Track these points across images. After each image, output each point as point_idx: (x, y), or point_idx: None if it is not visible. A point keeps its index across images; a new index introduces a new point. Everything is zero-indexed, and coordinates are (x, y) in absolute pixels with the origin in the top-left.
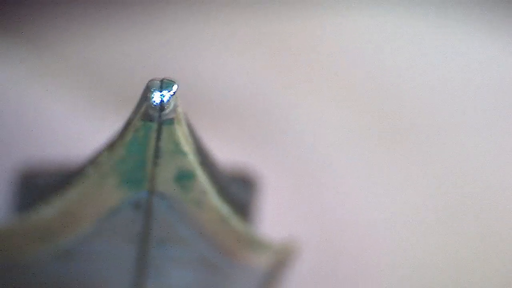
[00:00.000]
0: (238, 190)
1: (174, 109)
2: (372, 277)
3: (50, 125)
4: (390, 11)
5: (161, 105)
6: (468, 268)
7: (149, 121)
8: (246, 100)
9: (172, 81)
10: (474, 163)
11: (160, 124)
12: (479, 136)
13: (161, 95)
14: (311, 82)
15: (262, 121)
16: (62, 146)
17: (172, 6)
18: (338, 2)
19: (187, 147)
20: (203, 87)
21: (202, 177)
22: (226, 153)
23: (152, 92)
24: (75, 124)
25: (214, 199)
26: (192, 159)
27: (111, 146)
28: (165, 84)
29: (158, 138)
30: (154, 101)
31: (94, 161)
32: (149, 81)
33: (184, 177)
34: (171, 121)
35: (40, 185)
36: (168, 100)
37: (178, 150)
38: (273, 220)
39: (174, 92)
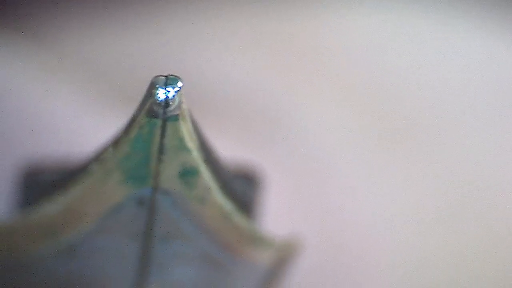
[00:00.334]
0: (242, 187)
1: (179, 106)
2: (373, 275)
3: (53, 123)
4: (391, 10)
5: (166, 102)
6: (468, 267)
7: (154, 117)
8: (249, 98)
9: (177, 77)
10: (475, 162)
11: (165, 121)
12: (479, 135)
13: (166, 92)
14: (314, 80)
15: (265, 119)
16: (65, 143)
17: (175, 3)
18: (340, 1)
19: (191, 143)
20: (206, 85)
21: (206, 174)
22: (230, 150)
23: (157, 89)
24: (77, 121)
25: (217, 195)
26: (196, 156)
27: (116, 142)
28: (170, 81)
29: (162, 135)
30: (159, 98)
31: (98, 157)
32: (154, 78)
33: (188, 174)
34: (175, 118)
35: (43, 182)
36: (172, 97)
37: (182, 147)
38: (276, 217)
39: (179, 89)
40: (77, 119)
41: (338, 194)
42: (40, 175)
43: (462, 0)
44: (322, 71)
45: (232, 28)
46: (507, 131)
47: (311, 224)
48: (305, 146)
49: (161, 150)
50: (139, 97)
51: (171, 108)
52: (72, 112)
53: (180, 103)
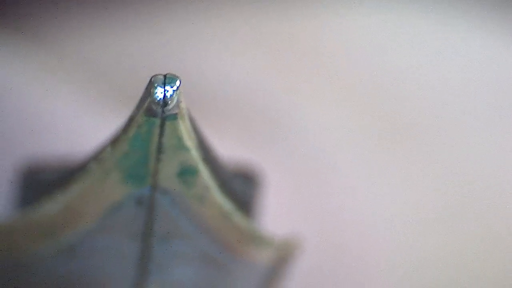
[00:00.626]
0: (241, 186)
1: (177, 105)
2: (372, 275)
3: (53, 122)
4: (391, 10)
5: (164, 101)
6: (468, 267)
7: (152, 116)
8: (248, 97)
9: (176, 76)
10: (475, 162)
11: (163, 120)
12: (479, 135)
13: (164, 91)
14: (313, 80)
15: (265, 118)
16: (65, 142)
17: (175, 3)
18: (340, 1)
19: (190, 142)
20: (206, 85)
21: (204, 173)
22: (229, 149)
23: (155, 88)
24: (77, 121)
25: (216, 195)
26: (194, 155)
27: (114, 141)
28: (168, 80)
29: (161, 134)
30: (157, 97)
31: (97, 156)
32: (153, 77)
33: (186, 173)
34: (174, 117)
35: (43, 181)
36: (171, 96)
37: (181, 146)
38: (276, 216)
39: (177, 88)
40: (77, 118)
41: (338, 193)
42: (40, 174)
43: (462, 0)
44: (321, 71)
45: (232, 28)
46: (507, 131)
47: (311, 223)
48: (304, 145)
49: (159, 149)
50: (139, 97)
51: (170, 107)
52: (72, 112)
53: (178, 102)
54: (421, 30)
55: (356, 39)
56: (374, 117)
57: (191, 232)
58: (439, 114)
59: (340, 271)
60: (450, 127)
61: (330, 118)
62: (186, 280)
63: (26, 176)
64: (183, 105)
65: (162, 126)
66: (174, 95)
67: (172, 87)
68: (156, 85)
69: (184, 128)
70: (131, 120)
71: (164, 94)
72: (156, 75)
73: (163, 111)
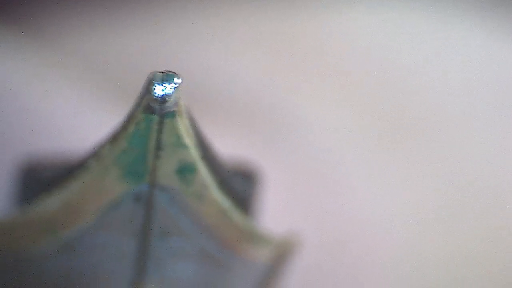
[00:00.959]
0: (240, 184)
1: (176, 102)
2: (372, 274)
3: (53, 120)
4: (392, 10)
5: (163, 98)
6: (468, 267)
7: (151, 113)
8: (248, 95)
9: (174, 73)
10: (475, 162)
11: (162, 117)
12: (480, 135)
13: (163, 88)
14: (314, 79)
15: (264, 116)
16: (65, 140)
17: (176, 2)
18: (341, 1)
19: (188, 140)
20: (206, 83)
21: (203, 171)
22: (230, 147)
23: (154, 85)
24: (78, 119)
25: (215, 192)
26: (193, 152)
27: (113, 138)
28: (167, 77)
29: (159, 131)
30: (156, 94)
31: (96, 153)
32: (151, 74)
33: (185, 170)
34: (173, 114)
35: (42, 178)
36: (170, 93)
37: (179, 143)
38: (274, 214)
39: (176, 85)
40: (77, 116)
41: (338, 192)
42: (39, 171)
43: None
44: (321, 70)
45: (233, 26)
46: (507, 131)
47: (311, 222)
48: (304, 143)
49: (158, 147)
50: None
51: (168, 104)
52: (72, 110)
53: (177, 99)
54: (422, 30)
55: (357, 38)
56: (374, 116)
57: (190, 230)
58: (439, 113)
59: (339, 270)
60: (450, 127)
61: (330, 117)
62: (185, 277)
63: (25, 173)
64: (182, 102)
65: (160, 123)
66: (173, 93)
67: (170, 84)
68: (154, 82)
69: (182, 125)
70: (129, 117)
71: (163, 91)
72: (154, 72)
73: (161, 109)
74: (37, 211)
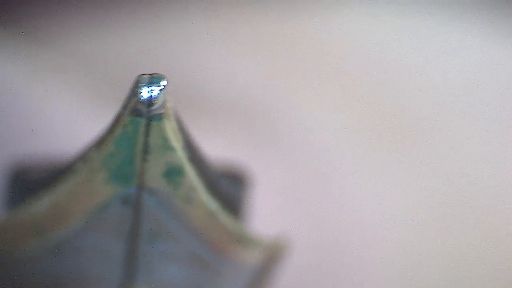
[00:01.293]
0: (228, 186)
1: (163, 105)
2: (369, 275)
3: (51, 122)
4: (392, 11)
5: (150, 100)
6: (467, 267)
7: (138, 116)
8: (246, 96)
9: (161, 76)
10: (475, 162)
11: (149, 119)
12: (479, 135)
13: (149, 90)
14: (311, 80)
15: (262, 117)
16: (63, 143)
17: (175, 4)
18: (340, 2)
19: (176, 142)
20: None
21: (191, 173)
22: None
23: (140, 87)
24: (76, 122)
25: (203, 195)
26: (181, 155)
27: (101, 141)
28: (154, 79)
29: (146, 134)
30: (142, 96)
31: (83, 156)
32: (138, 76)
33: (173, 173)
34: (160, 116)
35: (31, 180)
36: (156, 96)
37: (167, 146)
38: (264, 216)
39: (163, 87)
40: (76, 118)
41: (335, 193)
42: (27, 174)
43: (462, 0)
44: (320, 71)
45: (231, 28)
46: (507, 131)
47: (308, 223)
48: (302, 144)
49: (145, 149)
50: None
51: (155, 107)
52: (70, 112)
53: (164, 102)
54: (422, 31)
55: (356, 39)
56: (373, 117)
57: (178, 232)
58: (438, 114)
59: (336, 271)
60: (450, 127)
61: (327, 118)
62: (174, 280)
63: (14, 175)
64: (169, 105)
65: (147, 126)
66: (159, 95)
67: (157, 87)
68: (141, 84)
69: (170, 128)
70: (117, 119)
71: (150, 94)
72: (141, 74)
73: (148, 111)
74: (25, 213)
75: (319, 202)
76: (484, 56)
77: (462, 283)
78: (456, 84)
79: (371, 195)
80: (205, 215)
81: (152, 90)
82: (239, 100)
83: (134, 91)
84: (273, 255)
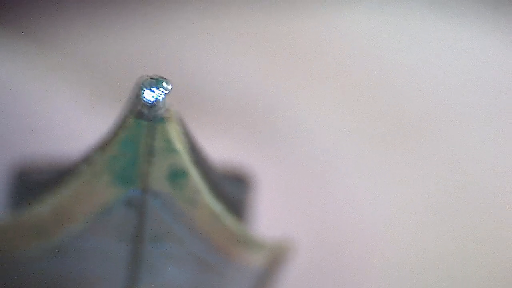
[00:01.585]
0: (232, 189)
1: (166, 107)
2: (371, 276)
3: (52, 123)
4: (391, 11)
5: (153, 103)
6: (467, 267)
7: (141, 119)
8: (246, 97)
9: (164, 78)
10: (476, 162)
11: (152, 122)
12: (479, 136)
13: (152, 93)
14: (312, 80)
15: (262, 118)
16: (64, 143)
17: (175, 4)
18: (339, 2)
19: (179, 145)
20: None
21: (195, 176)
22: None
23: (143, 90)
24: (77, 121)
25: (207, 197)
26: (185, 158)
27: (104, 143)
28: (156, 82)
29: (150, 136)
30: (145, 99)
31: (87, 158)
32: (141, 78)
33: (177, 176)
34: (163, 119)
35: (34, 182)
36: (159, 98)
37: (170, 148)
38: (268, 219)
39: (165, 90)
40: (76, 118)
41: (337, 194)
42: (31, 175)
43: (462, 0)
44: (320, 71)
45: (231, 28)
46: (507, 131)
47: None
48: (300, 147)
49: (149, 152)
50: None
51: (159, 109)
52: (70, 112)
53: (167, 104)
54: (422, 31)
55: (356, 39)
56: (373, 117)
57: (182, 234)
58: (439, 114)
59: (333, 272)
60: (450, 127)
61: (325, 119)
62: (177, 282)
63: (17, 176)
64: (172, 107)
65: (151, 128)
66: (162, 98)
67: (160, 90)
68: (144, 87)
69: (173, 130)
70: (120, 122)
71: (153, 96)
72: (144, 76)
73: (151, 114)
74: (28, 215)
75: (321, 203)
76: (484, 56)
77: (462, 283)
78: (456, 84)
79: (373, 196)
80: (209, 217)
81: (156, 93)
82: (240, 100)
83: (137, 93)
84: (277, 257)
